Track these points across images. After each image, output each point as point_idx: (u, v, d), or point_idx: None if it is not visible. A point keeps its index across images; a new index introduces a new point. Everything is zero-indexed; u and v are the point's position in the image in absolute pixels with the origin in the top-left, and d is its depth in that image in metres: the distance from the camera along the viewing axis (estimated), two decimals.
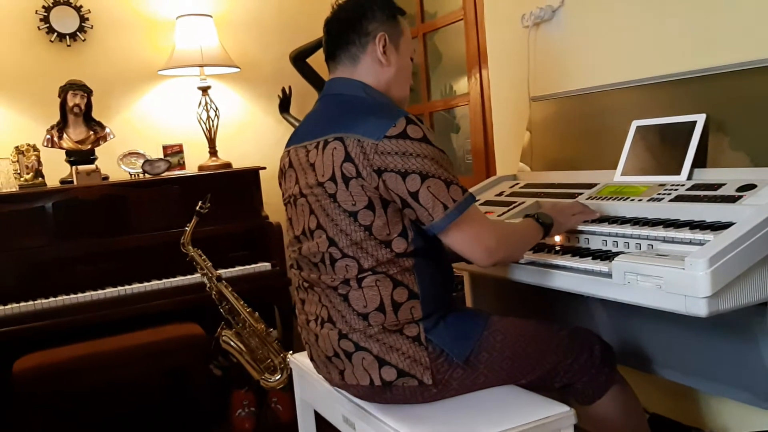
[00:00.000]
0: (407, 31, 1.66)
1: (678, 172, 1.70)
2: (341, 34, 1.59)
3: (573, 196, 1.89)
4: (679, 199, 1.59)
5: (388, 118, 1.43)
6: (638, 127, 1.86)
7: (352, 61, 1.59)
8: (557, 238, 1.74)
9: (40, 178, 2.91)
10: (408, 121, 1.42)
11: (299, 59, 3.27)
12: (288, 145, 1.66)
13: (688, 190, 1.61)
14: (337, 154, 1.44)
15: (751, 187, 1.47)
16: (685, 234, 1.42)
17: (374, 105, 1.52)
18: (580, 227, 1.69)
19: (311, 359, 1.67)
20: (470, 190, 2.20)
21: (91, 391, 2.63)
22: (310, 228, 1.53)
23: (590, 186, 1.90)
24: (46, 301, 2.64)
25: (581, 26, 2.25)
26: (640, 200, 1.67)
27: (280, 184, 1.70)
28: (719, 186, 1.55)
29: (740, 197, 1.46)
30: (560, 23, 2.32)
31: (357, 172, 1.41)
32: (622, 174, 1.86)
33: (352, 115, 1.48)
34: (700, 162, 1.68)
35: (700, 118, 1.69)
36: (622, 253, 1.50)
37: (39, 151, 2.94)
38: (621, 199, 1.73)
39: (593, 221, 1.70)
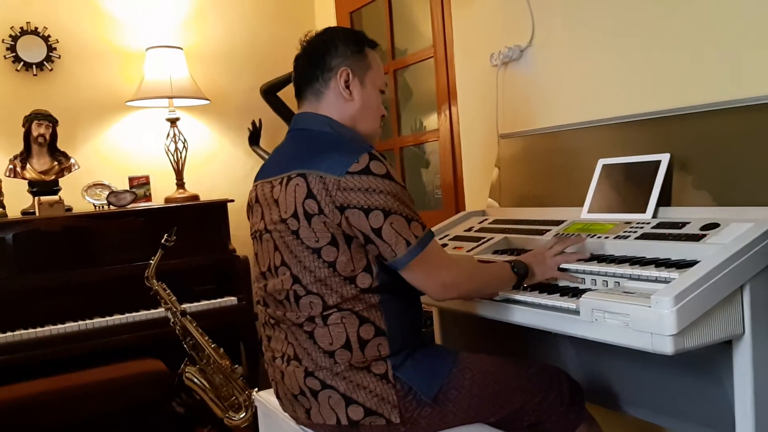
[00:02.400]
0: (376, 64, 1.64)
1: (643, 210, 1.72)
2: (306, 70, 1.59)
3: (541, 232, 1.90)
4: (645, 237, 1.61)
5: (351, 153, 1.42)
6: (604, 166, 1.88)
7: (315, 96, 1.58)
8: None
9: (0, 209, 2.85)
10: (371, 157, 1.42)
11: (270, 92, 3.28)
12: (255, 179, 1.65)
13: (653, 228, 1.63)
14: (299, 191, 1.43)
15: (714, 226, 1.50)
16: (651, 272, 1.44)
17: (338, 140, 1.51)
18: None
19: (277, 397, 1.63)
20: (439, 225, 2.23)
21: (49, 430, 2.54)
22: (275, 264, 1.51)
23: (558, 223, 1.92)
24: (3, 335, 2.56)
25: (549, 66, 2.29)
26: (606, 237, 1.69)
27: (248, 218, 1.68)
28: (684, 224, 1.57)
29: (704, 236, 1.48)
30: (528, 63, 2.37)
31: (319, 209, 1.41)
32: (589, 211, 1.88)
33: (316, 151, 1.47)
34: (664, 200, 1.70)
35: (665, 158, 1.72)
36: (589, 290, 1.51)
37: (1, 182, 2.89)
38: (588, 236, 1.74)
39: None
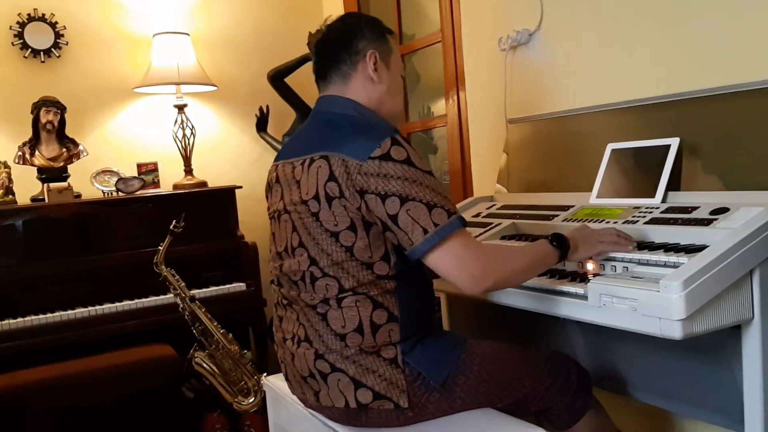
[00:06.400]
0: (396, 49, 1.67)
1: (652, 195, 1.71)
2: (332, 54, 1.60)
3: (549, 218, 1.89)
4: (654, 221, 1.60)
5: (375, 138, 1.41)
6: (613, 150, 1.87)
7: (343, 79, 1.59)
8: None
9: (10, 196, 2.86)
10: (393, 142, 1.41)
11: (277, 78, 3.27)
12: (276, 159, 1.65)
13: (662, 212, 1.63)
14: (321, 173, 1.43)
15: (724, 210, 1.49)
16: (660, 256, 1.43)
17: (363, 124, 1.51)
18: None
19: (286, 379, 1.64)
20: None
21: (58, 416, 2.56)
22: (293, 245, 1.51)
23: (566, 208, 1.91)
24: (14, 321, 2.58)
25: (557, 50, 2.27)
26: (615, 222, 1.68)
27: (266, 198, 1.69)
28: (693, 209, 1.56)
29: (713, 220, 1.47)
30: (537, 47, 2.35)
31: (340, 192, 1.40)
32: (598, 196, 1.87)
33: (340, 133, 1.47)
34: (674, 185, 1.69)
35: (674, 142, 1.71)
36: (597, 275, 1.51)
37: (10, 168, 2.90)
38: (597, 221, 1.74)
39: None
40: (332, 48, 1.60)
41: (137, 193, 3.05)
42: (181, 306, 2.52)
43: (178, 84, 3.18)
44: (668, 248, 1.46)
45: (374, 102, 1.59)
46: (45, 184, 2.91)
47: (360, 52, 1.58)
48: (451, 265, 1.39)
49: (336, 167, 1.41)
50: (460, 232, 1.39)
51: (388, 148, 1.40)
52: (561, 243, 1.53)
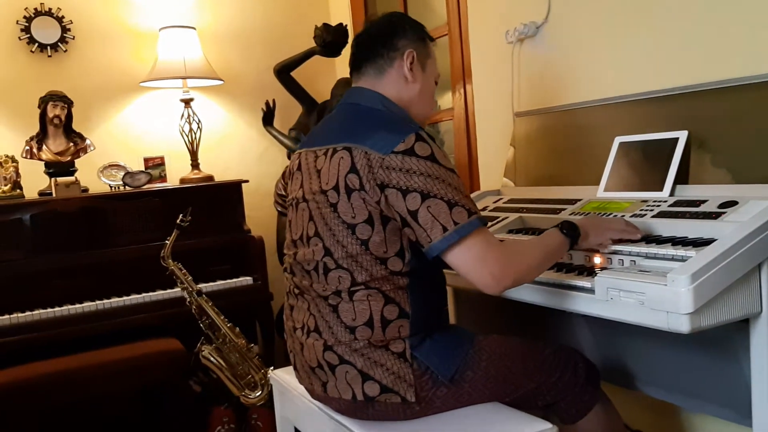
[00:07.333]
0: (434, 55, 1.68)
1: (660, 189, 1.70)
2: (370, 47, 1.61)
3: (556, 211, 1.89)
4: (662, 215, 1.60)
5: (399, 133, 1.41)
6: (621, 144, 1.86)
7: (377, 72, 1.59)
8: None
9: (18, 190, 2.87)
10: (417, 138, 1.40)
11: (283, 72, 3.26)
12: (300, 147, 1.66)
13: (670, 206, 1.62)
14: (343, 164, 1.43)
15: (732, 203, 1.48)
16: (668, 250, 1.42)
17: (388, 118, 1.51)
18: None
19: (295, 369, 1.65)
20: None
21: (64, 410, 2.57)
22: (308, 234, 1.52)
23: (573, 202, 1.90)
24: (22, 315, 2.58)
25: (565, 43, 2.26)
26: (622, 216, 1.67)
27: (283, 184, 1.69)
28: (701, 202, 1.56)
29: (722, 214, 1.46)
30: (544, 39, 2.34)
31: (360, 184, 1.40)
32: (605, 190, 1.86)
33: (365, 126, 1.48)
34: (682, 178, 1.69)
35: (682, 135, 1.70)
36: (604, 268, 1.50)
37: (18, 163, 2.90)
38: (604, 215, 1.73)
39: None
40: (372, 41, 1.61)
41: (144, 187, 3.06)
42: (188, 300, 2.52)
43: (184, 78, 3.18)
44: (676, 242, 1.45)
45: (404, 101, 1.59)
46: (52, 179, 2.91)
47: (399, 49, 1.59)
48: (471, 264, 1.38)
49: (358, 159, 1.41)
50: (479, 231, 1.38)
51: (413, 144, 1.39)
52: (571, 231, 1.53)
